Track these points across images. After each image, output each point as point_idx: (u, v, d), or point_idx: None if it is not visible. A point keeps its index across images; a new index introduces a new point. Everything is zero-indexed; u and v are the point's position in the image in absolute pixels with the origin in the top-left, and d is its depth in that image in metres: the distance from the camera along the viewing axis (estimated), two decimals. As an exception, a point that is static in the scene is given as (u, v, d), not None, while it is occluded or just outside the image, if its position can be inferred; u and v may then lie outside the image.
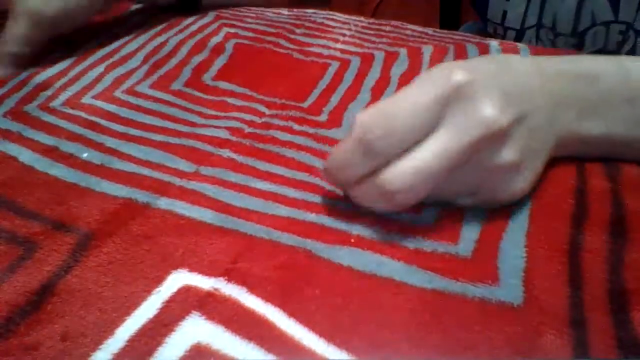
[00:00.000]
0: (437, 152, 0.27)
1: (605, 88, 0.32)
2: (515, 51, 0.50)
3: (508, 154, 0.29)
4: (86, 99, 0.45)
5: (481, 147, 0.28)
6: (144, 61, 0.51)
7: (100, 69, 0.50)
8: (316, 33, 0.56)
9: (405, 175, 0.27)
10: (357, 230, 0.31)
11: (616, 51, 0.54)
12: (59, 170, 0.37)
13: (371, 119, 0.28)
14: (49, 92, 0.46)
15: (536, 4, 0.57)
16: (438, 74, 0.29)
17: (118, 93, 0.46)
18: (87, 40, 0.56)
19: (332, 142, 0.39)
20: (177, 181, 0.36)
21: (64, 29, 0.51)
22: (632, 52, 0.53)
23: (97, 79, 0.48)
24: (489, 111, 0.28)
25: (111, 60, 0.52)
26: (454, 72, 0.28)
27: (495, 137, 0.28)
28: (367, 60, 0.50)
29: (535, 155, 0.31)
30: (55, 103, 0.45)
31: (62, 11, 0.48)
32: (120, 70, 0.50)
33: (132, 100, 0.45)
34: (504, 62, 0.32)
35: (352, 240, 0.31)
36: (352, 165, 0.29)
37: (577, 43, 0.57)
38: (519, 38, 0.61)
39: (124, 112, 0.43)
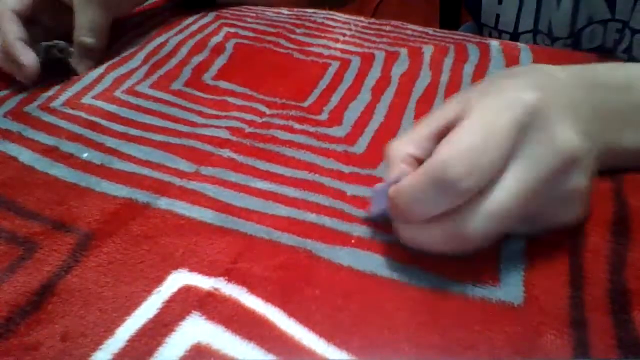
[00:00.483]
0: (517, 191, 0.25)
1: (636, 99, 0.31)
2: (516, 51, 0.50)
3: (580, 179, 0.27)
4: (86, 99, 0.45)
5: (557, 175, 0.26)
6: (144, 61, 0.51)
7: (101, 69, 0.50)
8: (316, 33, 0.56)
9: (486, 220, 0.25)
10: (358, 231, 0.31)
11: (612, 49, 0.54)
12: (59, 170, 0.37)
13: (453, 155, 0.25)
14: (49, 93, 0.46)
15: (530, 10, 0.57)
16: (509, 95, 0.26)
17: (118, 93, 0.46)
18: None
19: (333, 139, 0.40)
20: (177, 181, 0.36)
21: (121, 12, 0.54)
22: (628, 50, 0.53)
23: (98, 80, 0.48)
24: (566, 136, 0.26)
25: (111, 60, 0.52)
26: (526, 94, 0.26)
27: (572, 163, 0.26)
28: (367, 60, 0.50)
29: (592, 174, 0.29)
30: (56, 103, 0.45)
31: None
32: (120, 71, 0.50)
33: (132, 100, 0.45)
34: (550, 75, 0.30)
35: (353, 241, 0.31)
36: (425, 202, 0.26)
37: (573, 42, 0.56)
38: (513, 41, 0.60)
39: (124, 112, 0.43)
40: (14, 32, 0.44)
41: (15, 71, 0.46)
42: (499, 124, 0.25)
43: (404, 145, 0.30)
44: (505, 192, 0.25)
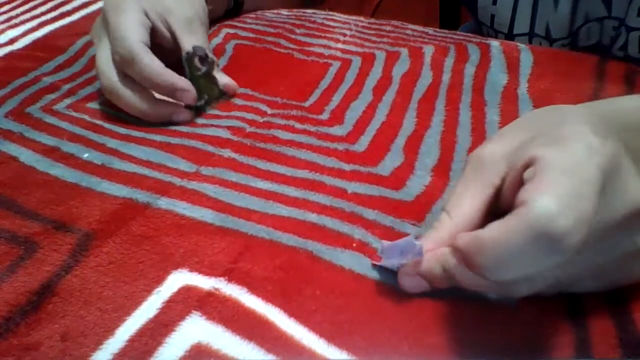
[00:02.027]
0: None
1: None
2: (516, 50, 0.50)
3: None
4: (93, 104, 0.45)
5: (627, 226, 0.24)
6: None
7: None
8: (316, 33, 0.56)
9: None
10: (359, 235, 0.31)
11: (609, 47, 0.54)
12: (60, 171, 0.37)
13: (554, 202, 0.21)
14: (54, 95, 0.46)
15: (525, 12, 0.57)
16: (584, 141, 0.23)
17: None
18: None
19: (334, 138, 0.40)
20: (178, 181, 0.36)
21: None
22: (624, 47, 0.52)
23: None
24: (637, 186, 0.24)
25: None
26: (599, 139, 0.23)
27: (638, 214, 0.24)
28: (368, 59, 0.50)
29: None
30: (60, 106, 0.45)
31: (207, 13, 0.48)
32: None
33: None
34: (594, 116, 0.26)
35: (354, 245, 0.31)
36: (522, 262, 0.22)
37: (571, 42, 0.56)
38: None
39: (128, 117, 0.43)
40: (158, 63, 0.40)
41: (161, 110, 0.42)
42: (588, 171, 0.22)
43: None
44: None
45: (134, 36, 0.40)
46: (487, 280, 0.23)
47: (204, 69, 0.42)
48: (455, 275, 0.25)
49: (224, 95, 0.45)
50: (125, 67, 0.40)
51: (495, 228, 0.22)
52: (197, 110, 0.43)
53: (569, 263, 0.23)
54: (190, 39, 0.44)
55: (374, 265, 0.29)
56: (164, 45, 0.44)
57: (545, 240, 0.21)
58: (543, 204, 0.21)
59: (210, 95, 0.43)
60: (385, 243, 0.28)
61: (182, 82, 0.41)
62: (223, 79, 0.45)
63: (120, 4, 0.41)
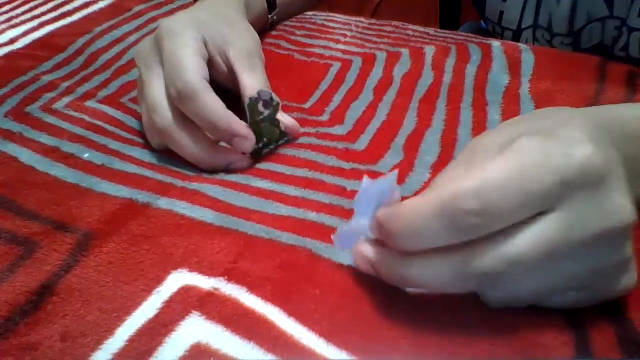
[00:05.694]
0: (541, 241, 0.22)
1: None
2: (517, 51, 0.49)
3: (629, 248, 0.24)
4: (90, 103, 0.45)
5: (606, 242, 0.23)
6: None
7: (107, 74, 0.49)
8: (317, 34, 0.56)
9: (498, 263, 0.23)
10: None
11: (611, 47, 0.54)
12: (60, 171, 0.37)
13: (467, 188, 0.22)
14: (52, 94, 0.46)
15: (532, 5, 0.57)
16: (557, 149, 0.23)
17: (125, 100, 0.46)
18: (95, 42, 0.55)
19: (334, 137, 0.40)
20: (179, 182, 0.36)
21: None
22: (625, 48, 0.53)
23: (104, 84, 0.48)
24: (622, 204, 0.23)
25: (118, 64, 0.51)
26: (578, 149, 0.23)
27: (623, 233, 0.23)
28: (368, 60, 0.50)
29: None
30: (59, 105, 0.45)
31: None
32: (127, 78, 0.49)
33: (139, 109, 0.45)
34: (596, 125, 0.25)
35: (354, 242, 0.31)
36: (429, 235, 0.23)
37: (573, 42, 0.57)
38: (515, 38, 0.61)
39: (130, 121, 0.43)
40: (220, 103, 0.36)
41: (219, 159, 0.37)
42: (539, 175, 0.22)
43: None
44: (526, 240, 0.22)
45: (195, 69, 0.36)
46: (401, 248, 0.24)
47: (266, 112, 0.37)
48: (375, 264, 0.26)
49: (286, 136, 0.40)
50: (181, 103, 0.35)
51: (414, 199, 0.24)
52: (255, 154, 0.38)
53: (542, 270, 0.23)
54: (250, 76, 0.39)
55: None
56: (217, 80, 0.40)
57: (447, 216, 0.22)
58: (457, 186, 0.22)
59: (270, 138, 0.39)
60: (343, 228, 0.28)
61: (242, 128, 0.36)
62: (285, 119, 0.40)
63: (178, 30, 0.38)
